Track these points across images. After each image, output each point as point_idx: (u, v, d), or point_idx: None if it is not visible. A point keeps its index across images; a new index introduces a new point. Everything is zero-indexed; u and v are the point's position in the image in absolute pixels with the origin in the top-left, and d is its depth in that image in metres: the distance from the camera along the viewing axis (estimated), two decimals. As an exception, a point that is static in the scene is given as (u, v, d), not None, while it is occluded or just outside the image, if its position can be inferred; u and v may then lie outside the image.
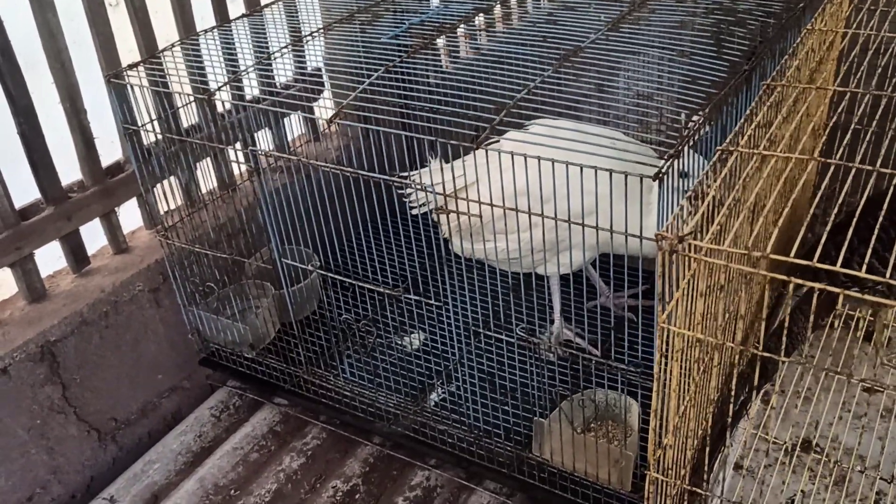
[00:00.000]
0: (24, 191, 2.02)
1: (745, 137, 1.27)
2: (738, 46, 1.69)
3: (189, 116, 2.09)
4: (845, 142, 1.29)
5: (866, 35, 1.66)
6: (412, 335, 2.28)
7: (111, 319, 2.09)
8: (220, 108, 2.18)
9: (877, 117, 1.42)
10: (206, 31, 2.08)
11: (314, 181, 1.94)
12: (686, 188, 1.60)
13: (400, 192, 2.04)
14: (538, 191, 1.51)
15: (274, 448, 2.10)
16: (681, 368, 1.18)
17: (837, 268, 0.96)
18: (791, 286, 1.00)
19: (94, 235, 2.22)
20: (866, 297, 1.00)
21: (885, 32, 1.67)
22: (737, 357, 1.40)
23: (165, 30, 2.31)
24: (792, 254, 1.01)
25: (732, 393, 1.45)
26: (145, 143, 2.00)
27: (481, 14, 2.26)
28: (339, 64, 2.11)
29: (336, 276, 2.04)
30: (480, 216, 1.71)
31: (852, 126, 1.35)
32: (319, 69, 2.39)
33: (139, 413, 2.22)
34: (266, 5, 2.24)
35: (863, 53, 1.64)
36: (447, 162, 1.95)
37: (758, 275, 1.08)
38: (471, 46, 2.43)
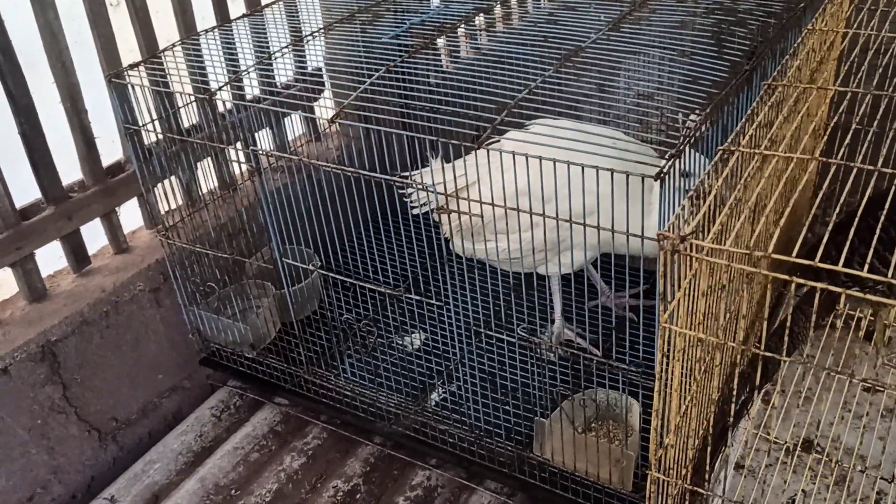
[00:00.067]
0: (25, 190, 2.02)
1: (747, 137, 1.27)
2: (738, 46, 1.69)
3: (190, 116, 2.09)
4: (846, 142, 1.30)
5: (867, 35, 1.67)
6: (413, 335, 2.28)
7: (112, 319, 2.09)
8: (220, 108, 2.17)
9: (877, 117, 1.42)
10: (206, 30, 2.08)
11: (315, 181, 1.94)
12: (688, 187, 1.60)
13: (401, 191, 2.04)
14: (539, 191, 1.51)
15: (275, 448, 2.10)
16: (682, 368, 1.18)
17: (839, 267, 0.96)
18: (793, 286, 1.00)
19: (94, 235, 2.21)
20: (868, 297, 1.00)
21: (886, 32, 1.67)
22: (738, 357, 1.40)
23: (166, 30, 2.31)
24: (794, 253, 1.01)
25: (734, 393, 1.45)
26: (146, 142, 2.00)
27: (482, 14, 2.26)
28: (339, 64, 2.11)
29: (337, 276, 2.04)
30: (482, 216, 1.71)
31: (853, 126, 1.35)
32: (320, 69, 2.39)
33: (140, 413, 2.22)
34: (267, 5, 2.24)
35: (863, 54, 1.64)
36: (448, 162, 1.95)
37: (759, 274, 1.08)
38: (471, 46, 2.43)
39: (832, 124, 1.42)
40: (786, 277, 1.02)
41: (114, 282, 2.11)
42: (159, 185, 2.06)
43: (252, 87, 2.05)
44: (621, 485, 1.68)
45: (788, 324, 1.35)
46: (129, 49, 2.16)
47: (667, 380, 1.17)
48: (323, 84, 2.42)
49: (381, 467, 2.01)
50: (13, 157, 2.02)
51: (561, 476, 1.77)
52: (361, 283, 1.99)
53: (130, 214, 2.33)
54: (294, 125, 2.56)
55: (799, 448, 1.91)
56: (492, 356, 2.03)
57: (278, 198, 1.94)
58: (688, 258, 1.06)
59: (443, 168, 1.93)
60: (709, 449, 1.43)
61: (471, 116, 1.51)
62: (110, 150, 2.30)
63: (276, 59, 1.97)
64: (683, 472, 1.40)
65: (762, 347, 1.13)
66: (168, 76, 1.94)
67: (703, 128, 1.46)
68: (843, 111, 1.41)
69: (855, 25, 1.76)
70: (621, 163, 1.40)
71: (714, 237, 1.08)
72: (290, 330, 2.15)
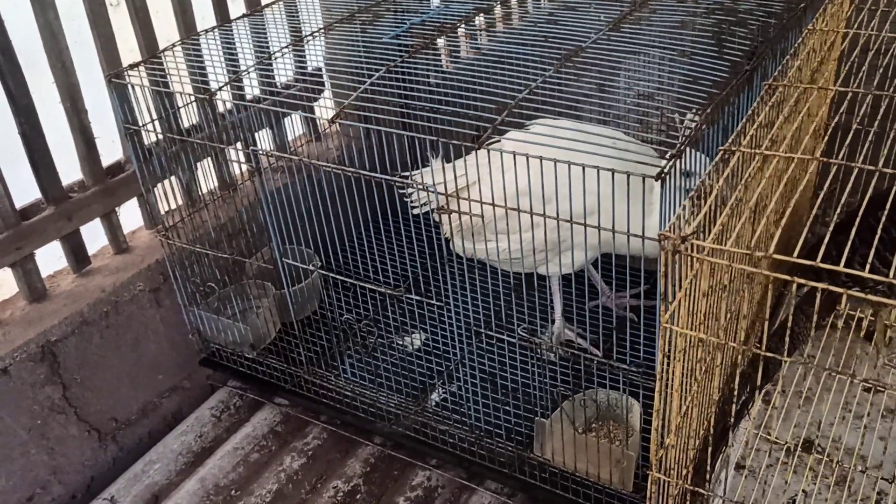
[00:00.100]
0: (25, 191, 2.02)
1: (747, 138, 1.27)
2: (739, 47, 1.69)
3: (190, 116, 2.09)
4: (847, 142, 1.29)
5: (867, 35, 1.66)
6: (413, 335, 2.28)
7: (112, 319, 2.09)
8: (220, 108, 2.17)
9: (878, 118, 1.42)
10: (206, 30, 2.08)
11: (315, 181, 1.94)
12: (689, 187, 1.60)
13: (401, 191, 2.04)
14: (540, 191, 1.50)
15: (275, 448, 2.10)
16: (683, 368, 1.18)
17: (841, 267, 0.96)
18: (794, 286, 0.99)
19: (94, 235, 2.21)
20: (869, 297, 1.00)
21: (886, 33, 1.67)
22: (739, 357, 1.40)
23: (166, 30, 2.31)
24: (795, 254, 1.01)
25: (735, 393, 1.44)
26: (146, 142, 2.00)
27: (482, 14, 2.26)
28: (339, 64, 2.11)
29: (337, 276, 2.04)
30: (482, 216, 1.71)
31: (854, 126, 1.35)
32: (320, 69, 2.39)
33: (139, 413, 2.22)
34: (267, 5, 2.24)
35: (863, 54, 1.64)
36: (448, 162, 1.95)
37: (760, 275, 1.08)
38: (471, 46, 2.43)
39: (833, 125, 1.41)
40: (787, 278, 1.02)
41: (114, 282, 2.10)
42: (159, 185, 2.05)
43: (252, 87, 2.05)
44: (622, 485, 1.68)
45: (790, 324, 1.35)
46: (129, 49, 2.16)
47: (668, 380, 1.17)
48: (323, 84, 2.42)
49: (381, 467, 2.01)
50: (13, 157, 2.02)
51: (561, 476, 1.77)
52: (361, 284, 1.99)
53: (130, 214, 2.33)
54: (294, 125, 2.56)
55: (799, 448, 1.91)
56: (492, 356, 2.03)
57: (278, 198, 1.94)
58: (689, 258, 1.06)
59: (443, 168, 1.93)
60: (709, 449, 1.43)
61: (471, 116, 1.51)
62: (110, 150, 2.30)
63: (276, 59, 1.97)
64: (684, 472, 1.40)
65: (763, 348, 1.13)
66: (168, 76, 1.94)
67: (703, 127, 1.45)
68: (844, 111, 1.41)
69: (855, 26, 1.76)
70: (622, 163, 1.40)
71: (715, 237, 1.08)
72: (290, 330, 2.15)
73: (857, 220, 1.18)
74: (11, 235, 1.93)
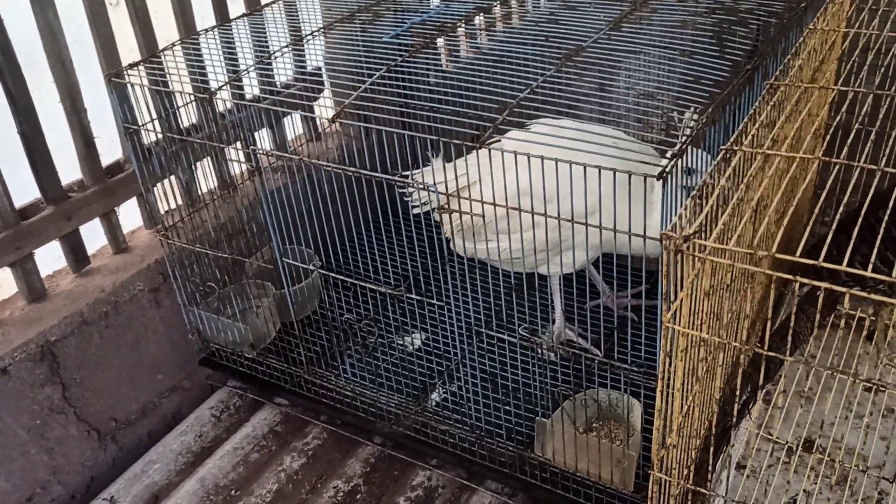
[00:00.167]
0: (24, 190, 2.01)
1: (749, 137, 1.26)
2: (740, 46, 1.69)
3: (189, 116, 2.09)
4: (848, 142, 1.29)
5: (867, 35, 1.66)
6: (413, 335, 2.28)
7: (111, 319, 2.09)
8: (220, 108, 2.17)
9: (879, 118, 1.42)
10: (206, 30, 2.08)
11: (315, 181, 1.93)
12: (691, 184, 1.60)
13: (401, 191, 2.04)
14: (540, 190, 1.50)
15: (275, 448, 2.09)
16: (685, 368, 1.17)
17: (843, 267, 0.96)
18: (797, 285, 0.99)
19: (93, 235, 2.21)
20: (872, 296, 1.00)
21: (887, 32, 1.67)
22: (740, 356, 1.40)
23: (166, 29, 2.31)
24: (798, 253, 1.01)
25: (737, 393, 1.44)
26: (145, 142, 1.99)
27: (482, 14, 2.25)
28: (339, 63, 2.11)
29: (337, 276, 2.04)
30: (483, 215, 1.71)
31: (855, 126, 1.35)
32: (319, 69, 2.39)
33: (139, 413, 2.21)
34: (266, 5, 2.24)
35: (863, 54, 1.64)
36: (448, 161, 1.95)
37: (762, 274, 1.08)
38: (472, 46, 2.42)
39: (834, 124, 1.41)
40: (789, 277, 1.01)
41: (113, 282, 2.10)
42: (159, 184, 2.05)
43: (252, 87, 2.05)
44: (622, 485, 1.68)
45: (792, 323, 1.35)
46: (128, 48, 2.15)
47: (669, 380, 1.16)
48: (322, 84, 2.42)
49: (381, 467, 2.01)
50: (12, 157, 2.02)
51: (562, 476, 1.77)
52: (362, 283, 1.98)
53: (130, 214, 2.33)
54: (294, 125, 2.56)
55: (801, 448, 1.91)
56: (492, 356, 2.02)
57: (278, 197, 1.94)
58: (691, 258, 1.05)
59: (444, 167, 1.93)
60: (710, 449, 1.43)
61: (471, 116, 1.50)
62: (109, 149, 2.29)
63: (275, 58, 1.97)
64: (685, 472, 1.40)
65: (765, 347, 1.13)
66: (168, 76, 1.94)
67: (704, 125, 1.45)
68: (844, 111, 1.41)
69: (856, 26, 1.76)
70: (623, 162, 1.40)
71: (717, 237, 1.07)
72: (290, 330, 2.14)
73: (860, 219, 1.18)
74: (11, 235, 1.93)
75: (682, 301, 1.08)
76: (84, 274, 2.14)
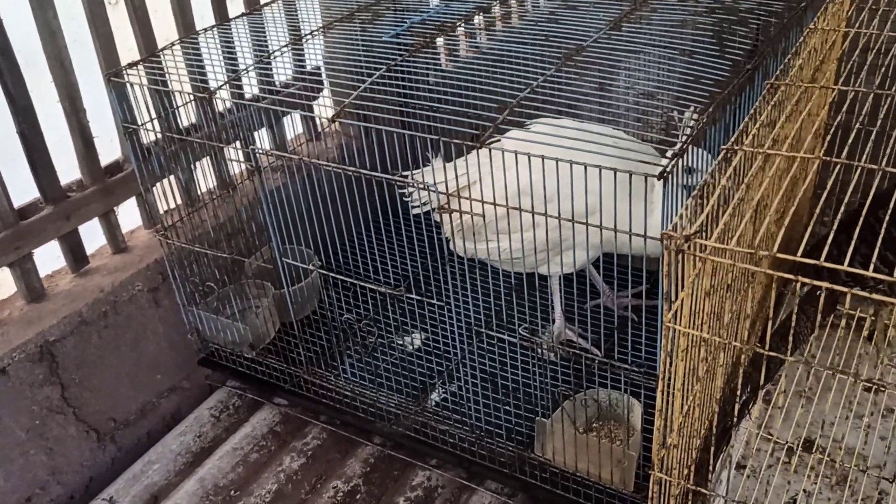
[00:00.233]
0: (24, 190, 2.01)
1: (750, 137, 1.26)
2: (740, 46, 1.69)
3: (189, 115, 2.08)
4: (848, 141, 1.29)
5: (868, 35, 1.66)
6: (413, 335, 2.27)
7: (110, 319, 2.08)
8: (219, 107, 2.17)
9: (879, 117, 1.42)
10: (205, 29, 2.08)
11: (314, 180, 1.93)
12: (692, 183, 1.60)
13: (401, 191, 2.04)
14: (541, 190, 1.50)
15: (274, 448, 2.09)
16: (685, 368, 1.17)
17: (841, 266, 0.96)
18: (798, 285, 0.99)
19: (93, 235, 2.21)
20: (873, 296, 1.00)
21: (887, 32, 1.67)
22: (741, 356, 1.40)
23: (165, 29, 2.31)
24: (799, 253, 1.00)
25: (737, 392, 1.44)
26: (145, 142, 1.99)
27: (482, 13, 2.25)
28: (339, 63, 2.10)
29: (336, 276, 2.04)
30: (483, 215, 1.70)
31: (855, 125, 1.35)
32: (319, 68, 2.39)
33: (138, 413, 2.21)
34: (265, 4, 2.24)
35: (864, 53, 1.64)
36: (448, 161, 1.94)
37: (764, 274, 1.07)
38: (472, 45, 2.42)
39: (834, 124, 1.41)
40: (790, 277, 1.01)
41: (112, 282, 2.10)
42: (158, 184, 2.05)
43: (251, 87, 2.04)
44: (623, 485, 1.68)
45: (793, 323, 1.35)
46: (127, 48, 2.15)
47: (670, 379, 1.16)
48: (322, 83, 2.41)
49: (381, 468, 2.01)
50: (12, 157, 2.01)
51: (562, 476, 1.77)
52: (361, 283, 1.98)
53: (129, 214, 2.33)
54: (293, 124, 2.56)
55: (801, 448, 1.90)
56: (492, 356, 2.02)
57: (277, 197, 1.94)
58: (692, 258, 1.05)
59: (444, 167, 1.93)
60: (711, 449, 1.43)
61: (471, 116, 1.50)
62: (109, 149, 2.29)
63: (275, 58, 1.96)
64: (685, 472, 1.40)
65: (766, 347, 1.13)
66: (167, 75, 1.93)
67: (704, 125, 1.45)
68: (845, 111, 1.41)
69: (856, 25, 1.76)
70: (623, 162, 1.40)
71: (717, 237, 1.07)
72: (289, 330, 2.14)
73: (861, 219, 1.18)
74: (10, 235, 1.92)
75: (682, 301, 1.08)
76: (83, 274, 2.14)
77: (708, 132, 1.53)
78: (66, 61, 1.99)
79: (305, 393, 2.12)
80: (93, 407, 2.08)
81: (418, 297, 1.93)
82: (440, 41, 2.02)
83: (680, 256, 1.04)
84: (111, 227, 2.20)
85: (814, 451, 1.88)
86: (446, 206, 1.71)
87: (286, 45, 2.00)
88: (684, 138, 1.49)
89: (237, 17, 2.17)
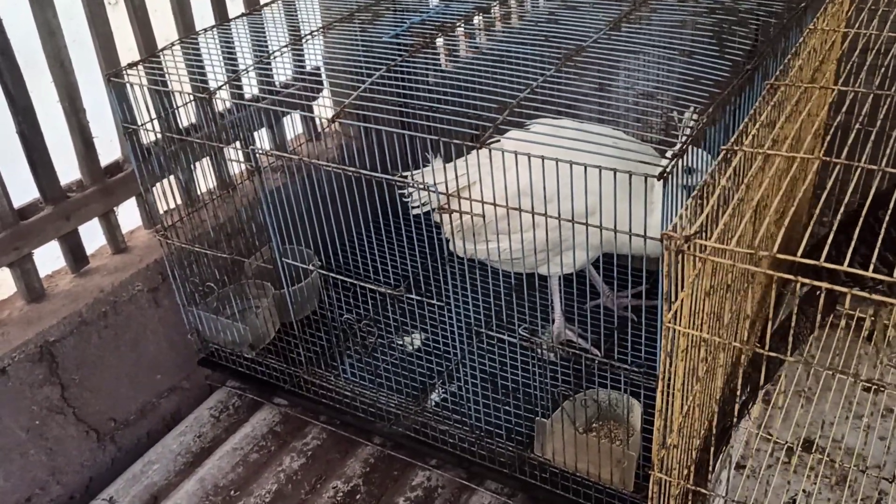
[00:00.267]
0: (23, 190, 2.01)
1: (750, 137, 1.26)
2: (740, 46, 1.69)
3: (188, 115, 2.08)
4: (848, 142, 1.29)
5: (867, 35, 1.66)
6: (412, 335, 2.27)
7: (110, 319, 2.08)
8: (219, 107, 2.17)
9: (879, 118, 1.42)
10: (205, 30, 2.08)
11: (314, 180, 1.93)
12: (691, 183, 1.60)
13: (400, 191, 2.04)
14: (541, 190, 1.50)
15: (274, 448, 2.09)
16: (685, 368, 1.17)
17: (840, 267, 0.96)
18: (798, 286, 0.99)
19: (92, 235, 2.21)
20: (873, 296, 1.00)
21: (886, 33, 1.67)
22: (741, 356, 1.40)
23: (165, 29, 2.31)
24: (799, 253, 1.01)
25: (738, 393, 1.44)
26: (144, 142, 1.99)
27: (482, 14, 2.25)
28: (338, 63, 2.10)
29: (336, 276, 2.04)
30: (483, 216, 1.70)
31: (855, 126, 1.35)
32: (318, 68, 2.39)
33: (138, 413, 2.21)
34: (265, 4, 2.24)
35: (863, 54, 1.64)
36: (448, 161, 1.94)
37: (763, 274, 1.08)
38: (472, 46, 2.42)
39: (834, 125, 1.41)
40: (790, 277, 1.01)
41: (112, 282, 2.10)
42: (158, 184, 2.05)
43: (251, 87, 2.04)
44: (622, 485, 1.68)
45: (793, 324, 1.35)
46: (127, 48, 2.15)
47: (670, 380, 1.16)
48: (322, 84, 2.41)
49: (381, 468, 2.01)
50: (11, 157, 2.01)
51: (562, 476, 1.77)
52: (361, 283, 1.98)
53: (129, 214, 2.32)
54: (293, 124, 2.56)
55: (800, 448, 1.91)
56: (492, 356, 2.02)
57: (277, 197, 1.94)
58: (692, 258, 1.05)
59: (444, 168, 1.93)
60: (711, 449, 1.43)
61: (471, 116, 1.50)
62: (108, 149, 2.29)
63: (274, 58, 1.96)
64: (685, 472, 1.40)
65: (766, 347, 1.13)
66: (167, 75, 1.93)
67: (702, 124, 1.45)
68: (844, 111, 1.41)
69: (856, 26, 1.76)
70: (623, 162, 1.40)
71: (717, 237, 1.07)
72: (289, 330, 2.14)
73: (861, 220, 1.18)
74: (9, 235, 1.92)
75: (682, 301, 1.08)
76: (83, 274, 2.14)
77: (708, 132, 1.53)
78: (66, 61, 1.99)
79: (305, 393, 2.13)
80: (93, 407, 2.08)
81: (418, 298, 1.93)
82: (440, 41, 2.02)
83: (680, 257, 1.04)
84: (111, 228, 2.20)
85: (813, 451, 1.89)
86: (446, 206, 1.71)
87: (286, 46, 2.00)
88: (684, 139, 1.49)
89: (237, 17, 2.17)
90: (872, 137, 1.35)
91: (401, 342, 2.27)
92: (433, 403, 2.06)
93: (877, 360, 2.15)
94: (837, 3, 1.84)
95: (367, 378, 2.13)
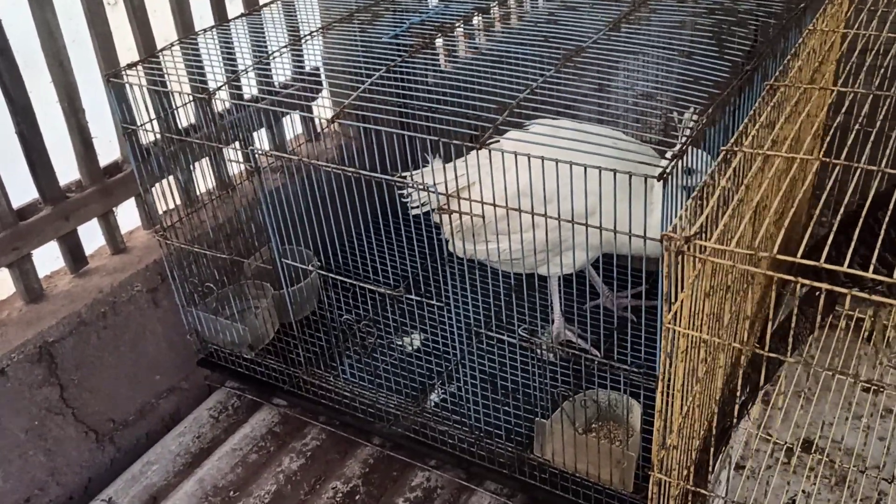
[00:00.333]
0: (23, 191, 2.01)
1: (749, 138, 1.26)
2: (739, 47, 1.69)
3: (188, 116, 2.08)
4: (847, 142, 1.29)
5: (866, 36, 1.67)
6: (412, 335, 2.27)
7: (109, 320, 2.08)
8: (218, 108, 2.17)
9: (878, 118, 1.42)
10: (204, 30, 2.08)
11: (314, 181, 1.93)
12: (691, 184, 1.60)
13: (400, 192, 2.04)
14: (541, 191, 1.50)
15: (273, 449, 2.09)
16: (685, 369, 1.17)
17: (840, 267, 0.96)
18: (798, 287, 0.99)
19: (91, 235, 2.21)
20: (873, 297, 1.00)
21: (886, 33, 1.67)
22: (740, 357, 1.40)
23: (164, 29, 2.31)
24: (799, 254, 1.01)
25: (738, 393, 1.44)
26: (144, 142, 1.99)
27: (481, 14, 2.25)
28: (338, 64, 2.10)
29: (336, 277, 2.04)
30: (483, 216, 1.70)
31: (855, 127, 1.35)
32: (318, 69, 2.39)
33: (137, 414, 2.21)
34: (265, 5, 2.24)
35: (862, 55, 1.64)
36: (448, 162, 1.94)
37: (763, 275, 1.08)
38: (471, 46, 2.42)
39: (833, 125, 1.41)
40: (789, 278, 1.02)
41: (111, 282, 2.10)
42: (157, 185, 2.05)
43: (250, 87, 2.04)
44: (622, 486, 1.68)
45: (792, 324, 1.36)
46: (126, 48, 2.15)
47: (669, 380, 1.16)
48: (321, 84, 2.41)
49: (380, 468, 2.01)
50: (10, 157, 2.01)
51: (561, 477, 1.77)
52: (360, 284, 1.98)
53: (128, 214, 2.32)
54: (292, 125, 2.56)
55: (800, 448, 1.91)
56: (492, 357, 2.02)
57: (277, 198, 1.94)
58: (691, 259, 1.05)
59: (443, 168, 1.93)
60: (710, 450, 1.43)
61: (471, 116, 1.50)
62: (108, 149, 2.29)
63: (274, 58, 1.96)
64: (685, 472, 1.40)
65: (766, 348, 1.13)
66: (166, 76, 1.93)
67: (702, 125, 1.45)
68: (843, 112, 1.41)
69: (855, 27, 1.76)
70: (623, 163, 1.40)
71: (717, 238, 1.07)
72: (288, 330, 2.14)
73: (861, 220, 1.18)
74: (8, 236, 1.92)
75: (682, 302, 1.08)
76: (82, 274, 2.14)
77: (707, 133, 1.54)
78: (65, 61, 1.99)
79: (304, 394, 2.12)
80: (92, 407, 2.08)
81: (417, 298, 1.93)
82: (439, 42, 2.02)
83: (680, 257, 1.04)
84: (110, 228, 2.20)
85: (813, 451, 1.89)
86: (446, 206, 1.71)
87: (285, 46, 2.00)
88: (684, 139, 1.49)
89: (236, 17, 2.17)
90: (872, 138, 1.35)
91: (400, 343, 2.27)
92: (432, 404, 2.06)
93: (876, 360, 2.15)
94: (837, 4, 1.84)
95: (367, 378, 2.13)
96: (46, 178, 2.00)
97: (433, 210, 1.98)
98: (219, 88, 1.82)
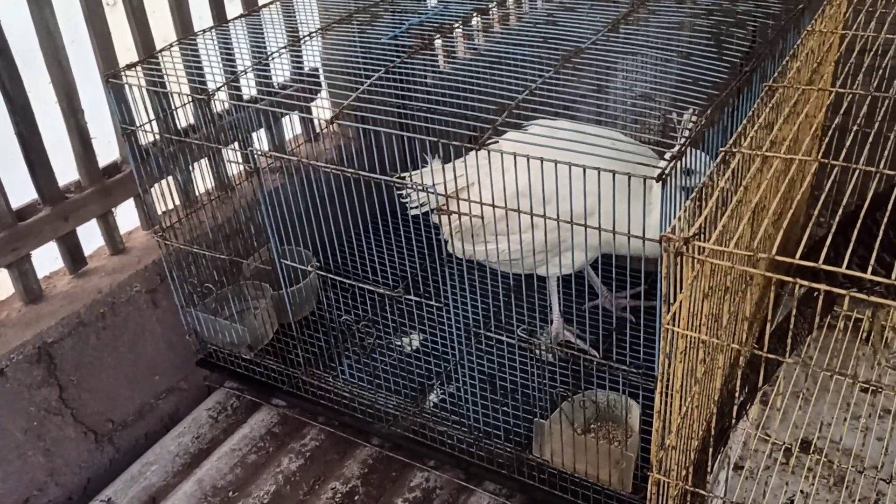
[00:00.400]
0: (22, 191, 2.01)
1: (748, 139, 1.27)
2: (737, 48, 1.69)
3: (187, 116, 2.08)
4: (846, 143, 1.30)
5: (864, 37, 1.67)
6: (411, 336, 2.27)
7: (108, 320, 2.08)
8: (217, 108, 2.17)
9: (876, 119, 1.42)
10: (203, 31, 2.08)
11: (313, 181, 1.93)
12: (690, 185, 1.60)
13: (399, 192, 2.04)
14: (540, 191, 1.50)
15: (272, 449, 2.09)
16: (684, 369, 1.18)
17: (838, 268, 0.96)
18: (797, 287, 1.00)
19: (90, 236, 2.20)
20: (871, 298, 1.00)
21: (884, 34, 1.67)
22: (739, 358, 1.40)
23: (163, 29, 2.31)
24: (797, 255, 1.01)
25: (737, 394, 1.45)
26: (143, 143, 1.99)
27: (480, 15, 2.26)
28: (337, 64, 2.10)
29: (335, 277, 2.04)
30: (482, 217, 1.70)
31: (852, 127, 1.35)
32: (317, 69, 2.39)
33: (136, 414, 2.21)
34: (264, 5, 2.24)
35: (860, 56, 1.65)
36: (447, 162, 1.95)
37: (762, 276, 1.08)
38: (470, 47, 2.42)
39: (832, 126, 1.42)
40: (788, 279, 1.02)
41: (110, 283, 2.10)
42: (156, 185, 2.05)
43: (249, 88, 2.04)
44: (621, 486, 1.68)
45: (791, 325, 1.36)
46: (125, 48, 2.15)
47: (668, 381, 1.17)
48: (320, 85, 2.41)
49: (379, 469, 2.01)
50: (9, 158, 2.01)
51: (560, 477, 1.77)
52: (359, 284, 1.98)
53: (127, 215, 2.32)
54: (291, 126, 2.56)
55: (798, 449, 1.91)
56: (491, 357, 2.03)
57: (276, 198, 1.94)
58: (690, 260, 1.06)
59: (443, 169, 1.93)
60: (709, 450, 1.43)
61: (470, 117, 1.50)
62: (107, 150, 2.29)
63: (273, 59, 1.96)
64: (683, 473, 1.40)
65: (765, 349, 1.13)
66: (165, 76, 1.93)
67: (701, 126, 1.46)
68: (842, 113, 1.41)
69: (853, 28, 1.77)
70: (622, 164, 1.40)
71: (716, 239, 1.08)
72: (287, 331, 2.14)
73: (859, 221, 1.18)
74: (7, 236, 1.92)
75: (681, 303, 1.08)
76: (81, 275, 2.14)
77: (706, 134, 1.54)
78: (64, 61, 1.99)
79: (304, 394, 2.13)
80: (91, 408, 2.08)
81: (416, 299, 1.93)
82: (438, 43, 2.02)
83: (678, 258, 1.05)
84: (109, 229, 2.20)
85: (811, 451, 1.89)
86: (445, 207, 1.71)
87: (284, 47, 2.00)
88: (683, 140, 1.49)
89: (235, 18, 2.17)
90: (870, 139, 1.35)
91: (399, 343, 2.27)
92: (431, 404, 2.06)
93: (874, 361, 2.15)
94: (835, 5, 1.84)
95: (366, 379, 2.13)
96: (45, 179, 2.00)
97: (432, 211, 1.98)
98: (218, 89, 1.82)
